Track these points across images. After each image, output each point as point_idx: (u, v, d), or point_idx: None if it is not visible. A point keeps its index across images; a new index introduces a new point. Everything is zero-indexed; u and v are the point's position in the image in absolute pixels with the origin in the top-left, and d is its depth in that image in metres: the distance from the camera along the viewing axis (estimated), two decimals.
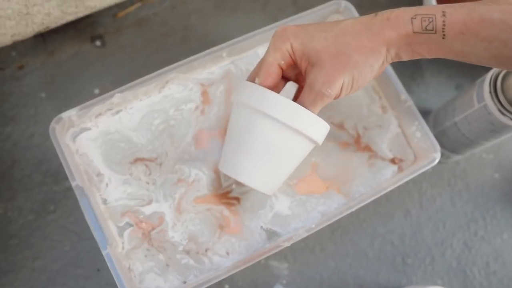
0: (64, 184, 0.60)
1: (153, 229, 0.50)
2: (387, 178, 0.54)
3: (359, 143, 0.55)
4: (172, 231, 0.50)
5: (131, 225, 0.50)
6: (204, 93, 0.54)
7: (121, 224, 0.50)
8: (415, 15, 0.38)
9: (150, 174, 0.51)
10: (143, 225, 0.50)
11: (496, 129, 0.51)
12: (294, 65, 0.43)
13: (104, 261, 0.57)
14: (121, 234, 0.49)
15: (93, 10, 0.62)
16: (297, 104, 0.41)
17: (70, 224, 0.59)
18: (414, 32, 0.38)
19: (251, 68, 0.55)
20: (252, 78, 0.44)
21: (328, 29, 0.40)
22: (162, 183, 0.51)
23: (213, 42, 0.56)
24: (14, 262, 0.58)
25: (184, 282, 0.49)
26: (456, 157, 0.63)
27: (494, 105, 0.49)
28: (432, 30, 0.38)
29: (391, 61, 0.41)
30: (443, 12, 0.38)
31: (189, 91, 0.54)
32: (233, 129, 0.44)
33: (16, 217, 0.59)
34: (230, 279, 0.59)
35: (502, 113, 0.48)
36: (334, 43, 0.39)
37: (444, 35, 0.38)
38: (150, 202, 0.50)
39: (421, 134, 0.53)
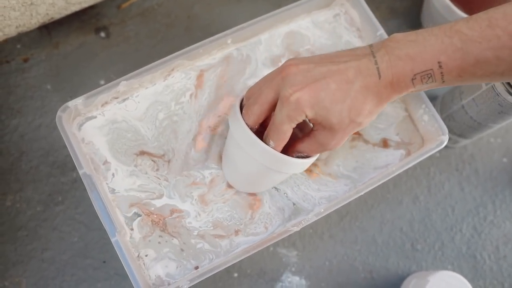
0: (71, 175, 0.60)
1: (169, 215, 0.50)
2: (382, 164, 0.53)
3: None
4: (194, 220, 0.50)
5: (139, 215, 0.50)
6: (199, 77, 0.53)
7: (129, 215, 0.49)
8: (414, 75, 0.40)
9: (157, 169, 0.51)
10: (154, 217, 0.49)
11: (504, 110, 0.51)
12: None
13: (112, 251, 0.58)
14: (129, 224, 0.49)
15: (98, 0, 0.62)
16: (302, 161, 0.45)
17: (78, 215, 0.59)
18: (415, 88, 0.41)
19: (252, 55, 0.54)
20: (253, 121, 0.44)
21: (342, 98, 0.41)
22: (174, 184, 0.51)
23: (217, 31, 0.55)
24: (23, 253, 0.58)
25: (196, 268, 0.49)
26: (463, 142, 0.63)
27: (502, 85, 0.48)
28: (432, 81, 0.40)
29: None
30: (439, 63, 0.39)
31: (187, 80, 0.53)
32: (233, 160, 0.48)
33: (24, 209, 0.59)
34: (238, 267, 0.59)
35: (510, 94, 0.48)
36: (348, 115, 0.41)
37: (443, 81, 0.40)
38: (161, 196, 0.50)
39: (428, 117, 0.53)
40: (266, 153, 0.44)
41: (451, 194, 0.64)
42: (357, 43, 0.56)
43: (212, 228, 0.50)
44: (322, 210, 0.49)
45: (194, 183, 0.51)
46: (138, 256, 0.48)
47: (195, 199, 0.50)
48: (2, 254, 0.57)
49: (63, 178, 0.60)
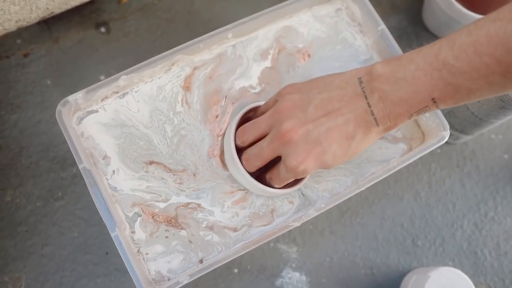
0: (71, 170, 0.60)
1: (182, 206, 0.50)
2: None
3: None
4: (229, 221, 0.50)
5: (139, 215, 0.49)
6: (188, 77, 0.53)
7: (130, 214, 0.49)
8: (411, 115, 0.41)
9: (181, 183, 0.50)
10: (160, 217, 0.49)
11: (506, 106, 0.51)
12: None
13: (112, 246, 0.58)
14: (131, 225, 0.49)
15: None
16: (287, 191, 0.49)
17: (78, 210, 0.59)
18: (411, 120, 0.44)
19: (243, 55, 0.54)
20: (254, 170, 0.47)
21: (343, 153, 0.43)
22: (212, 186, 0.50)
23: (217, 27, 0.55)
24: (23, 248, 0.58)
25: (201, 261, 0.48)
26: (464, 138, 0.62)
27: None
28: (429, 112, 0.42)
29: None
30: (433, 99, 0.39)
31: (177, 78, 0.53)
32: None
33: (24, 204, 0.59)
34: (239, 263, 0.59)
35: None
36: (347, 159, 0.45)
37: (438, 108, 0.41)
38: (167, 200, 0.49)
39: (429, 113, 0.53)
40: (271, 193, 0.48)
41: (452, 190, 0.63)
42: (358, 38, 0.56)
43: (250, 221, 0.50)
44: (323, 205, 0.49)
45: (232, 192, 0.51)
46: (138, 251, 0.48)
47: (228, 206, 0.50)
48: (1, 250, 0.57)
49: (63, 173, 0.60)
